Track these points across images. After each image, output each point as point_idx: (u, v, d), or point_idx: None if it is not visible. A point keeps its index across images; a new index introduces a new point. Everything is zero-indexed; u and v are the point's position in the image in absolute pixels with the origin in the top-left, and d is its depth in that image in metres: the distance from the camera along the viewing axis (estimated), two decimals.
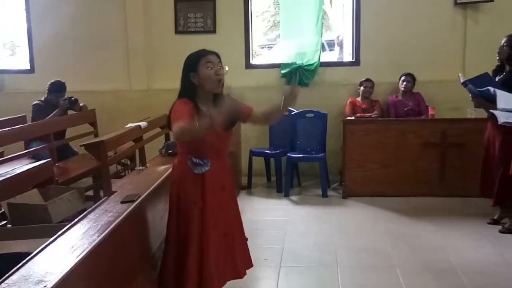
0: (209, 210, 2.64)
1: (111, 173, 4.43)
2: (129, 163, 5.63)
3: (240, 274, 2.85)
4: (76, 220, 2.24)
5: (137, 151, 5.37)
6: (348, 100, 6.14)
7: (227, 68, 2.64)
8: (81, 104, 5.64)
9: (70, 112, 5.66)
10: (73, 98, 5.52)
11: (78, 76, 6.50)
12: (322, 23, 6.40)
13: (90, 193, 4.78)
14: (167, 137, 5.80)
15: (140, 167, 4.53)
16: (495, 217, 4.61)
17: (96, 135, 5.62)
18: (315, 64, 6.31)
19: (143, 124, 5.02)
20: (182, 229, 2.64)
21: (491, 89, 4.08)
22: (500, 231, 4.38)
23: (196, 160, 2.64)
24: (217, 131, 2.51)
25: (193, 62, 2.61)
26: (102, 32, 6.62)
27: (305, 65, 6.32)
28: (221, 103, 2.48)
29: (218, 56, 2.64)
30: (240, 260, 2.85)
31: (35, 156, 4.75)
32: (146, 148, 5.38)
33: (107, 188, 4.04)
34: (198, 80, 2.59)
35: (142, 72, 6.62)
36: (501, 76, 4.33)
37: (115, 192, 3.51)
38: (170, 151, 5.29)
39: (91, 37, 6.64)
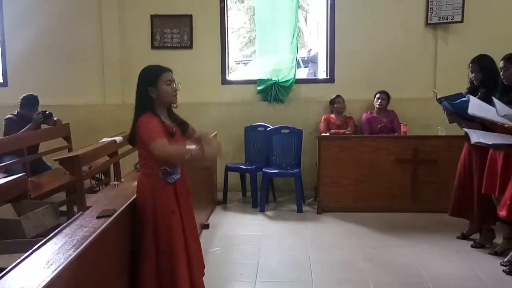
0: (184, 215, 2.78)
1: (85, 188, 4.39)
2: (103, 178, 5.58)
3: (203, 272, 3.05)
4: (51, 235, 2.22)
5: (111, 166, 5.34)
6: (323, 117, 6.23)
7: (180, 85, 2.80)
8: (55, 118, 5.58)
9: (43, 126, 5.60)
10: (47, 112, 5.46)
11: (52, 89, 6.45)
12: (298, 41, 6.50)
13: (63, 208, 4.73)
14: None
15: (115, 182, 4.51)
16: (464, 232, 4.71)
17: (70, 150, 5.56)
18: (291, 81, 6.40)
19: (118, 138, 5.01)
20: (163, 242, 2.68)
21: (466, 98, 4.16)
22: (472, 246, 4.48)
23: (170, 169, 2.74)
24: (179, 137, 2.82)
25: (154, 78, 2.75)
26: (77, 45, 6.58)
27: (280, 82, 6.40)
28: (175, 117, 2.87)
29: (172, 73, 2.83)
30: (202, 258, 3.07)
31: (7, 171, 4.68)
32: (121, 162, 5.36)
33: (81, 203, 4.01)
34: (157, 94, 2.73)
35: (117, 87, 6.59)
36: (477, 96, 4.41)
37: (89, 207, 3.49)
38: None
39: (65, 51, 6.59)
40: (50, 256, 1.94)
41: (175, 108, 2.88)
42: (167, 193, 2.73)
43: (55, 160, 4.07)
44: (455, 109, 4.31)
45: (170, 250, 2.67)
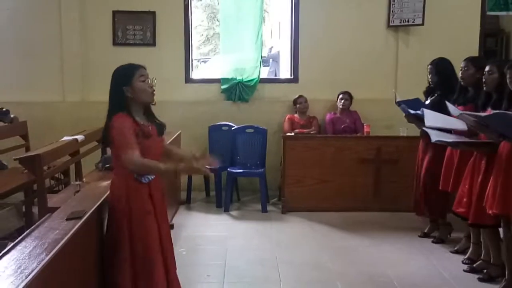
0: (159, 216, 2.72)
1: None
2: (62, 177, 5.41)
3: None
4: (19, 238, 2.12)
5: (72, 165, 5.18)
6: (287, 117, 6.24)
7: (155, 80, 2.74)
8: (12, 116, 5.37)
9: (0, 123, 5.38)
10: (4, 109, 5.25)
11: (8, 86, 6.19)
12: (262, 40, 6.49)
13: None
14: (104, 151, 5.63)
15: (77, 182, 4.36)
16: (425, 231, 4.84)
17: (27, 149, 5.36)
18: (255, 80, 6.37)
19: (80, 137, 4.85)
20: (140, 243, 2.61)
21: (420, 112, 4.31)
22: (433, 242, 4.63)
23: None
24: (155, 137, 2.74)
25: (127, 76, 2.67)
26: (35, 40, 6.33)
27: (245, 81, 6.37)
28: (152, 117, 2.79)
29: (146, 69, 2.75)
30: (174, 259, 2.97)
31: None
32: (82, 162, 5.20)
33: (42, 204, 3.87)
34: (132, 93, 2.66)
35: (76, 84, 6.39)
36: (432, 97, 4.57)
37: (51, 208, 3.37)
38: (108, 165, 5.14)
39: (22, 46, 6.33)
40: (21, 261, 1.85)
41: (153, 105, 2.80)
42: (142, 194, 2.66)
43: (15, 160, 3.90)
44: (414, 113, 4.45)
45: (146, 252, 2.61)
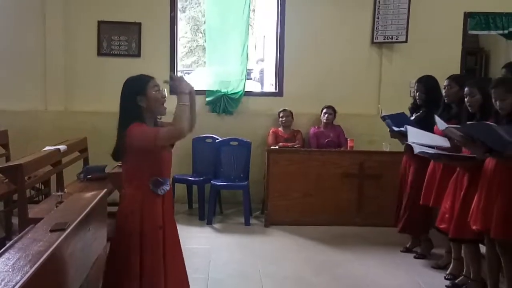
0: (169, 231, 2.66)
1: None
2: (43, 187, 5.33)
3: None
4: (2, 250, 2.07)
5: (52, 176, 5.11)
6: (271, 130, 6.25)
7: (166, 93, 2.71)
8: None
9: None
10: None
11: None
12: (247, 53, 6.52)
13: None
14: (85, 161, 5.57)
15: (58, 193, 4.30)
16: (408, 246, 4.88)
17: (8, 158, 5.29)
18: (240, 93, 6.38)
19: (62, 147, 4.82)
20: (148, 260, 2.55)
21: (404, 128, 4.37)
22: (415, 257, 4.67)
23: (161, 179, 2.63)
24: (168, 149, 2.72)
25: (142, 85, 2.64)
26: (17, 48, 6.26)
27: (229, 94, 6.37)
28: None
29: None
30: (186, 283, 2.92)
31: None
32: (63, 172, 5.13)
33: (23, 214, 3.81)
34: (146, 103, 2.61)
35: (59, 93, 6.31)
36: (418, 114, 4.63)
37: (31, 218, 3.31)
38: (89, 176, 5.10)
39: (5, 54, 6.24)
40: (5, 274, 1.80)
41: (159, 119, 2.78)
42: (156, 207, 2.61)
43: None
44: (398, 130, 4.51)
45: (151, 269, 2.55)
